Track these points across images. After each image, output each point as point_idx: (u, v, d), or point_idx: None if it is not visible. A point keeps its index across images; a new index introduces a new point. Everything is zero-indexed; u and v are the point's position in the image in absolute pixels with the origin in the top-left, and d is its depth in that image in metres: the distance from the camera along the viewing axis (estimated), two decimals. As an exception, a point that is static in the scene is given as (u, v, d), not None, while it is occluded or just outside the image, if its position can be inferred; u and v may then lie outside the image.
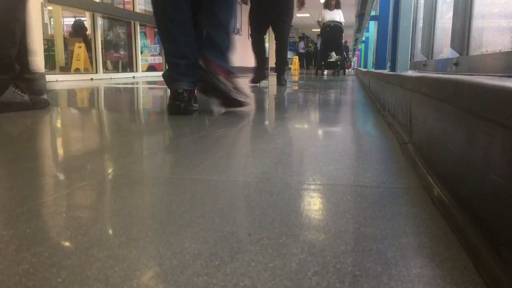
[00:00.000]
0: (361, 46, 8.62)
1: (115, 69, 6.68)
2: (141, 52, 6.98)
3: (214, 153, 0.91)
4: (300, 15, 16.31)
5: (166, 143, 1.09)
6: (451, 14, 1.79)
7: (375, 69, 3.39)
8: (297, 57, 15.17)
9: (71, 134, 1.18)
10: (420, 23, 2.81)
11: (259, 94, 2.91)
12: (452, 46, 1.72)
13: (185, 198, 0.60)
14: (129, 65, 6.83)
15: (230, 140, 1.07)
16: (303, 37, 21.26)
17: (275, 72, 4.46)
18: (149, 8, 7.19)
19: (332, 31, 7.62)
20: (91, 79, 5.42)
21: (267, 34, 4.74)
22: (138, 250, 0.43)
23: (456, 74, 0.94)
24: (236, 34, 10.13)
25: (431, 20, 2.31)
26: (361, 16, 4.98)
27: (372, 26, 5.61)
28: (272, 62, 4.82)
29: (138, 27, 6.75)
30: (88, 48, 5.91)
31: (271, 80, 5.26)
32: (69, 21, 7.16)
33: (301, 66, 16.59)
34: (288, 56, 5.38)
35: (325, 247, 0.45)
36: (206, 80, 1.63)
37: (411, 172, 0.76)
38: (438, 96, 0.70)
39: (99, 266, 0.40)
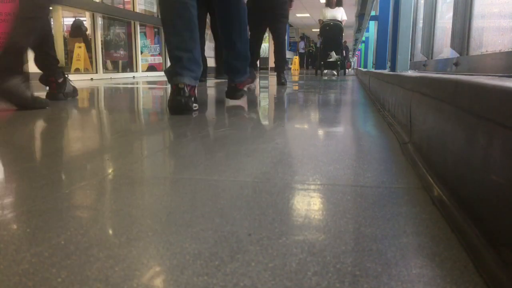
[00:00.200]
0: (361, 46, 8.63)
1: (115, 69, 6.68)
2: (141, 52, 6.98)
3: (214, 153, 0.91)
4: (300, 15, 16.31)
5: (166, 143, 1.09)
6: (451, 14, 1.79)
7: (375, 69, 3.39)
8: (297, 57, 15.18)
9: (71, 134, 1.18)
10: (420, 23, 2.81)
11: (259, 94, 2.91)
12: (452, 46, 1.72)
13: (185, 198, 0.60)
14: (129, 65, 6.83)
15: (230, 140, 1.07)
16: (303, 37, 21.28)
17: (274, 71, 4.47)
18: (149, 8, 7.20)
19: (331, 30, 7.54)
20: (91, 79, 5.42)
21: (266, 35, 4.76)
22: (138, 250, 0.43)
23: (456, 74, 0.94)
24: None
25: (431, 20, 2.31)
26: (361, 16, 4.98)
27: (372, 26, 5.62)
28: (271, 62, 4.83)
29: (138, 27, 6.75)
30: (88, 48, 5.91)
31: (271, 80, 5.26)
32: (69, 21, 7.15)
33: (301, 66, 16.61)
34: (289, 56, 5.39)
35: (325, 247, 0.45)
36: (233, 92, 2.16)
37: (411, 172, 0.76)
38: (438, 96, 0.70)
39: (99, 266, 0.40)
